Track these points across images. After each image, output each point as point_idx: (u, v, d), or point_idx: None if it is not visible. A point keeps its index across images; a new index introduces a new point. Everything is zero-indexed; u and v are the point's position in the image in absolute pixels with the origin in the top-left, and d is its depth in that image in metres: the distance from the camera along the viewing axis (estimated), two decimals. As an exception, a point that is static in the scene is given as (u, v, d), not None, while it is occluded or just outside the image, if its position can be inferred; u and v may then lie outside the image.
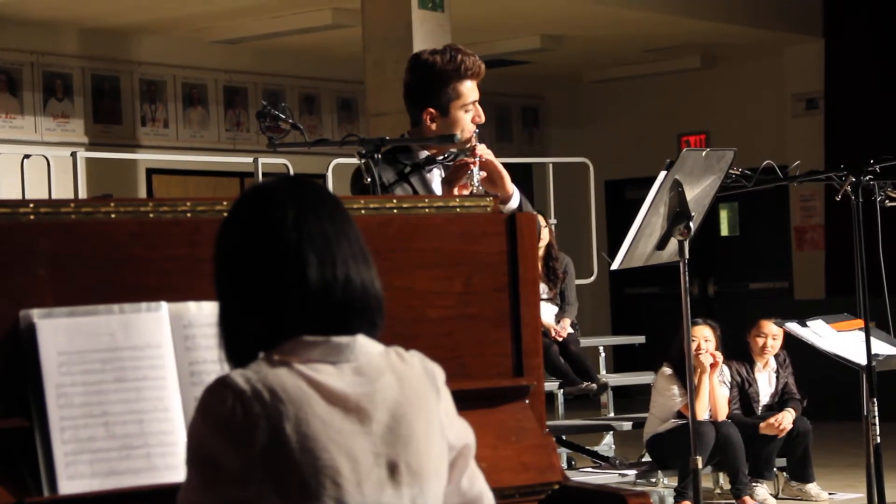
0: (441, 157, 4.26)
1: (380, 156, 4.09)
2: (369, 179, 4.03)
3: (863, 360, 5.08)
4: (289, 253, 2.16)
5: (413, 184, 4.20)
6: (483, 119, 4.27)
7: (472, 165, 4.07)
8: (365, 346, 2.20)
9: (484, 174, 4.10)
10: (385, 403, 2.17)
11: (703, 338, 7.60)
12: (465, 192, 4.13)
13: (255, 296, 2.16)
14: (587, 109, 14.76)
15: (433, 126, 4.22)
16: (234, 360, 2.19)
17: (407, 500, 2.16)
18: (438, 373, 2.28)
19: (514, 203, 4.19)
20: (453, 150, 4.24)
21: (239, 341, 2.19)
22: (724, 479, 7.96)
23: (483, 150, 4.13)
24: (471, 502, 2.35)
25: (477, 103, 4.25)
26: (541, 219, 8.06)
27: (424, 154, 4.25)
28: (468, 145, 4.17)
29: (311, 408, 2.11)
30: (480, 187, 4.07)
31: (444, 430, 2.25)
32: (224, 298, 2.21)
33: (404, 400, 2.19)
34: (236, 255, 2.20)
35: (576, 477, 6.71)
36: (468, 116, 4.23)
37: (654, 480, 8.21)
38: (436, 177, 4.26)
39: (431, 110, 4.21)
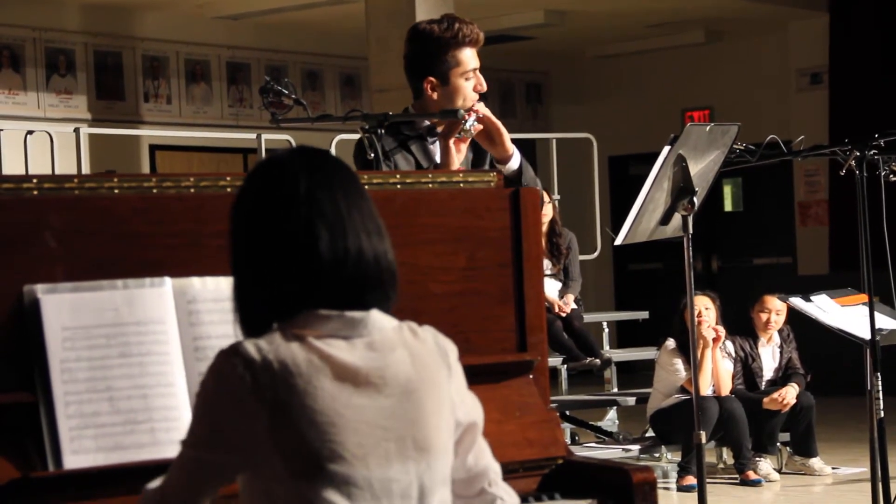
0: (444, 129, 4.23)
1: (383, 130, 4.08)
2: (372, 155, 4.02)
3: (866, 335, 5.08)
4: (299, 227, 2.16)
5: (414, 152, 4.18)
6: (485, 87, 4.24)
7: (466, 116, 4.05)
8: (378, 320, 2.20)
9: (480, 127, 4.09)
10: (396, 379, 2.17)
11: (703, 306, 7.60)
12: (463, 146, 4.11)
13: (268, 268, 2.17)
14: (591, 85, 14.73)
15: (434, 95, 4.20)
16: (248, 331, 2.20)
17: (413, 475, 2.17)
18: (451, 349, 2.29)
19: (514, 163, 4.15)
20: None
21: (253, 312, 2.20)
22: (727, 454, 7.98)
23: (481, 107, 4.11)
24: (476, 476, 2.36)
25: (478, 72, 4.23)
26: (544, 194, 8.06)
27: (426, 123, 4.23)
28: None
29: (320, 381, 2.12)
30: (471, 130, 4.05)
31: (454, 408, 2.25)
32: (238, 270, 2.21)
33: (415, 376, 2.19)
34: (249, 228, 2.20)
35: (579, 452, 6.73)
36: (469, 85, 4.20)
37: (657, 455, 8.23)
38: (439, 148, 4.24)
39: (432, 79, 4.19)
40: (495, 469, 2.38)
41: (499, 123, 4.13)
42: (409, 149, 4.18)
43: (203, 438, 2.14)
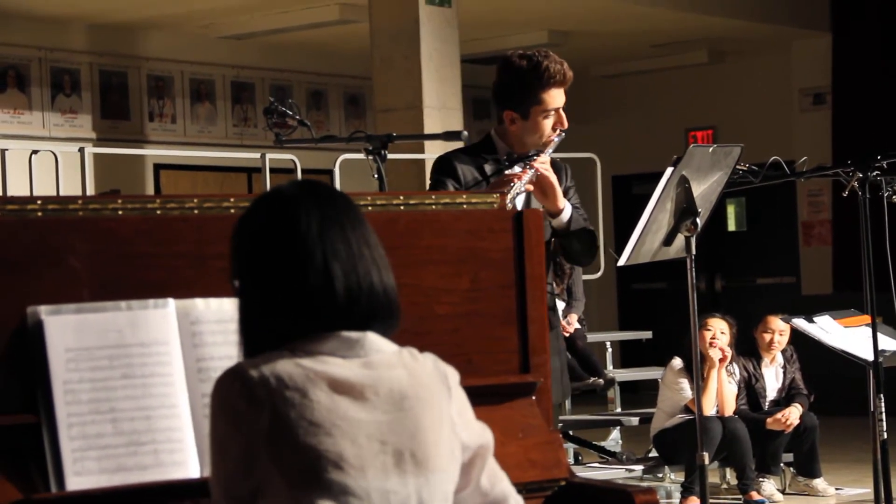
0: (529, 155, 4.27)
1: (386, 151, 4.11)
2: (376, 175, 4.05)
3: (870, 356, 5.08)
4: (314, 264, 2.19)
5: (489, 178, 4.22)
6: (566, 125, 4.30)
7: (516, 179, 4.09)
8: (377, 343, 2.23)
9: (531, 188, 4.13)
10: (391, 394, 2.20)
11: (720, 330, 7.61)
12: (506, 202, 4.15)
13: (280, 304, 2.20)
14: (594, 104, 14.74)
15: (513, 128, 4.26)
16: (251, 357, 2.22)
17: (412, 489, 2.18)
18: (451, 373, 2.31)
19: (564, 217, 4.22)
20: (536, 149, 4.26)
21: (259, 341, 2.22)
22: (730, 475, 7.97)
23: (541, 164, 4.15)
24: (494, 503, 2.36)
25: (561, 110, 4.27)
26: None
27: (505, 150, 4.28)
28: (543, 149, 4.19)
29: (316, 394, 2.14)
30: (513, 204, 4.08)
31: (455, 428, 2.26)
32: (245, 302, 2.24)
33: (412, 393, 2.21)
34: (257, 264, 2.22)
35: (582, 472, 6.72)
36: (548, 123, 4.26)
37: (660, 476, 8.21)
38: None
39: (513, 113, 4.24)
40: (517, 499, 2.39)
41: (553, 180, 4.18)
42: (485, 174, 4.20)
43: (220, 468, 2.16)
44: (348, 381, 2.17)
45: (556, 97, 4.26)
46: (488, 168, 4.25)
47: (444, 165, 4.22)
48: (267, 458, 2.12)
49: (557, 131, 4.27)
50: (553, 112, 4.26)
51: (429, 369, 2.27)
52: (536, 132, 4.25)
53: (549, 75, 4.22)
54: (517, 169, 4.19)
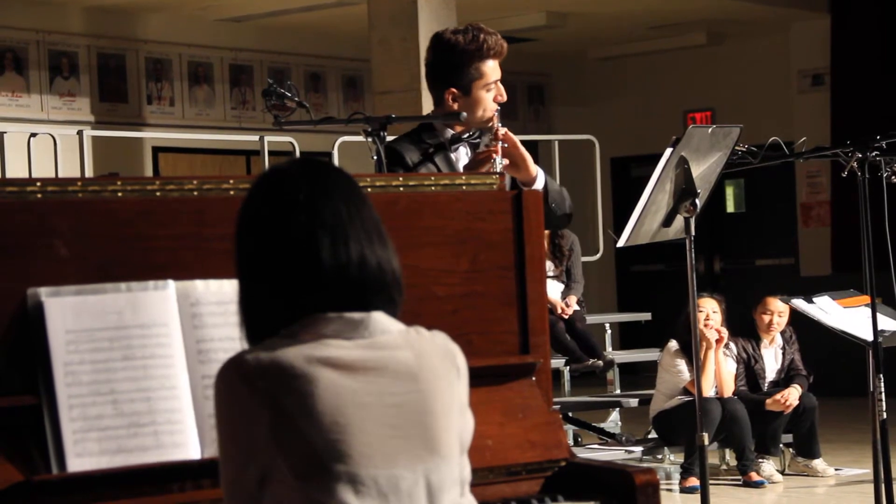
0: (466, 136, 4.25)
1: (385, 132, 4.09)
2: (375, 157, 4.05)
3: (869, 336, 5.08)
4: (301, 234, 2.18)
5: (437, 164, 4.20)
6: (505, 98, 4.27)
7: (494, 154, 4.08)
8: (382, 322, 2.21)
9: (507, 162, 4.11)
10: (399, 377, 2.17)
11: (711, 309, 7.62)
12: None
13: (272, 277, 2.18)
14: (593, 86, 14.73)
15: (455, 105, 4.22)
16: (253, 337, 2.21)
17: (420, 473, 2.16)
18: (459, 355, 2.29)
19: (538, 185, 4.19)
20: (478, 128, 4.24)
21: (258, 321, 2.21)
22: (730, 456, 7.98)
23: (508, 135, 4.13)
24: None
25: (499, 82, 4.25)
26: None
27: (450, 133, 4.25)
28: (490, 125, 4.18)
29: (321, 382, 2.12)
30: (500, 170, 4.06)
31: (463, 409, 2.25)
32: (243, 279, 2.23)
33: (421, 376, 2.19)
34: (252, 237, 2.22)
35: (582, 453, 6.73)
36: (490, 95, 4.23)
37: (660, 457, 8.23)
38: (462, 156, 4.26)
39: (454, 90, 4.21)
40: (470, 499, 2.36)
41: (522, 149, 4.16)
42: (432, 159, 4.19)
43: (226, 458, 2.16)
44: (354, 365, 2.14)
45: (494, 69, 4.24)
46: (438, 157, 4.22)
47: (390, 155, 4.19)
48: (272, 449, 2.10)
49: (497, 106, 4.25)
50: (493, 84, 4.24)
51: (438, 348, 2.24)
52: (480, 107, 4.22)
53: (487, 47, 4.20)
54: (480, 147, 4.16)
